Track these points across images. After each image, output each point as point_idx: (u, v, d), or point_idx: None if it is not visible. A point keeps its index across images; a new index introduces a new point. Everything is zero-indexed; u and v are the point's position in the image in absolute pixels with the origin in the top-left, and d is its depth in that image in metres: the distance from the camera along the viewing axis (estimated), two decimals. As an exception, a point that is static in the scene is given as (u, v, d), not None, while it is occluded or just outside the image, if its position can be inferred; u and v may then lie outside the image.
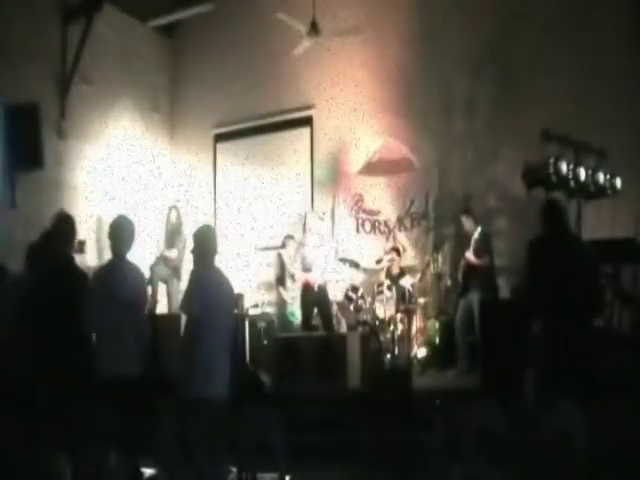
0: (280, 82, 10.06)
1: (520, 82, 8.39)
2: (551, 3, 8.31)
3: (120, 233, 4.73)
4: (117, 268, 4.65)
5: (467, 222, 7.66)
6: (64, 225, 4.67)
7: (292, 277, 8.56)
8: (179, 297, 9.37)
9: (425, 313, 8.39)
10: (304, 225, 8.15)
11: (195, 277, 4.63)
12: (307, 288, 7.69)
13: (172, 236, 9.20)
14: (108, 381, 4.38)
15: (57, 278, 4.50)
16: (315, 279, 7.64)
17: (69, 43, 9.13)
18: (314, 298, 7.69)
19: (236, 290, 9.65)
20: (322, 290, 7.74)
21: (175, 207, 9.46)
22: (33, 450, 4.25)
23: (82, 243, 8.79)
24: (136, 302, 4.65)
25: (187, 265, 9.16)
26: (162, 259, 9.10)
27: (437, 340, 8.07)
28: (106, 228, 9.56)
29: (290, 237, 9.07)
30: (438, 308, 8.47)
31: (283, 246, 9.08)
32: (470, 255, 7.37)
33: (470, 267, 7.41)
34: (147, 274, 9.32)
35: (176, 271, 9.12)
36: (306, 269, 7.70)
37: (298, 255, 7.96)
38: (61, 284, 4.45)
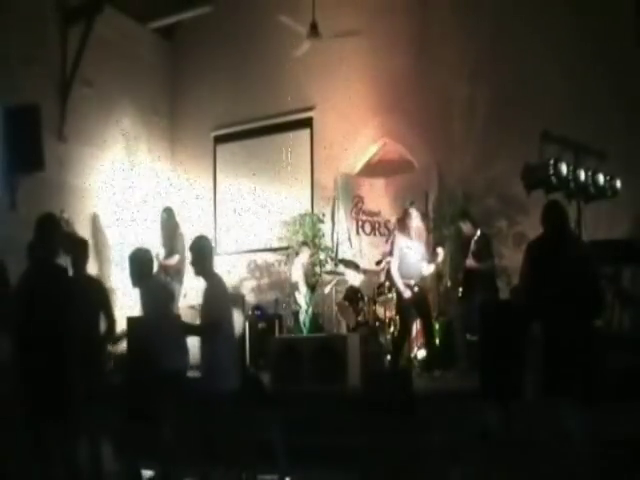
0: (280, 84, 10.07)
1: (520, 83, 8.40)
2: (550, 5, 8.32)
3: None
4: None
5: (465, 226, 7.66)
6: (41, 226, 4.62)
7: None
8: (181, 299, 9.41)
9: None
10: (402, 224, 7.48)
11: (215, 287, 5.01)
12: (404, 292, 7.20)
13: (168, 238, 9.21)
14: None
15: (33, 280, 4.47)
16: (411, 282, 7.22)
17: (69, 45, 9.14)
18: (412, 301, 7.21)
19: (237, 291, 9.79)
20: (420, 290, 7.29)
21: (168, 209, 9.43)
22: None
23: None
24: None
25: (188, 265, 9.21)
26: (161, 268, 9.13)
27: (437, 341, 8.06)
28: (105, 230, 9.60)
29: (304, 243, 9.09)
30: (438, 309, 8.46)
31: (297, 254, 9.07)
32: (470, 259, 7.37)
33: (470, 269, 7.41)
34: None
35: (178, 274, 9.14)
36: (406, 272, 7.21)
37: (396, 257, 7.28)
38: (37, 286, 4.42)
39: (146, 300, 5.23)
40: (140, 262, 5.29)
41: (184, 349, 5.18)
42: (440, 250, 7.44)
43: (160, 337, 4.85)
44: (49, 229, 4.61)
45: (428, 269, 7.40)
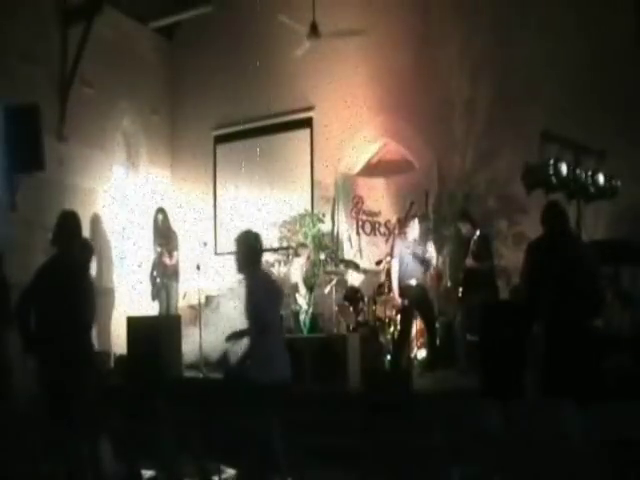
0: (280, 84, 10.07)
1: (520, 82, 8.39)
2: (551, 5, 8.32)
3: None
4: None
5: (464, 227, 7.67)
6: (64, 222, 4.74)
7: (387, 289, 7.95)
8: (179, 298, 9.44)
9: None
10: (404, 231, 7.69)
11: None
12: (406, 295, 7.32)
13: (164, 238, 9.30)
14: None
15: (48, 274, 4.58)
16: (413, 282, 7.34)
17: (69, 45, 9.14)
18: (413, 300, 7.32)
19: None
20: (422, 290, 7.40)
21: (161, 209, 9.53)
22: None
23: (81, 244, 8.82)
24: None
25: (183, 265, 9.25)
26: (160, 268, 9.18)
27: (437, 341, 8.05)
28: (104, 230, 9.63)
29: (303, 245, 9.10)
30: (438, 309, 8.46)
31: (297, 254, 9.10)
32: (470, 260, 7.38)
33: (470, 269, 7.42)
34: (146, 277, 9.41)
35: (175, 274, 9.25)
36: (404, 274, 7.35)
37: (396, 261, 7.41)
38: (52, 279, 4.53)
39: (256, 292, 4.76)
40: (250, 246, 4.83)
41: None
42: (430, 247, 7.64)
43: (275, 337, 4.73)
44: (65, 225, 4.74)
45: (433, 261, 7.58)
